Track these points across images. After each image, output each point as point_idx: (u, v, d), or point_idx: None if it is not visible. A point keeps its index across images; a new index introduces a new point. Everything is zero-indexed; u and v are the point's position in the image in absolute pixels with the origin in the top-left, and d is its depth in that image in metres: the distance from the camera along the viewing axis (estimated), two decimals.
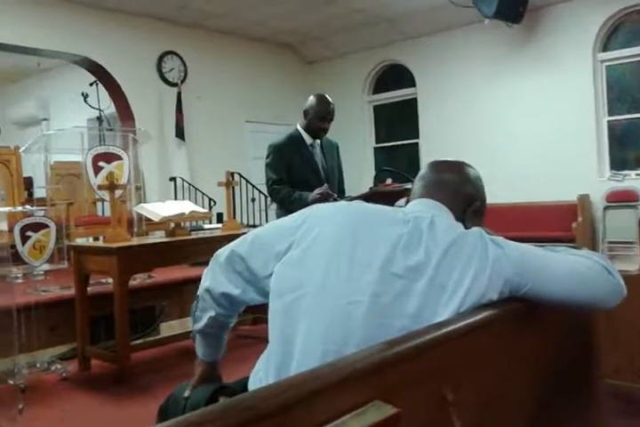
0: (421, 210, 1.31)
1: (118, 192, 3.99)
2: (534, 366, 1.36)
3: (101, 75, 7.15)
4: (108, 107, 7.28)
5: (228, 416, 0.73)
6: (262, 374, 1.17)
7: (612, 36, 6.99)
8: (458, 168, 1.43)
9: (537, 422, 1.39)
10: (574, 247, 1.44)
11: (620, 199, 6.73)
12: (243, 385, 1.24)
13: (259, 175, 3.55)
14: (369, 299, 1.13)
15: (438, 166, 1.45)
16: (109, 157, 4.38)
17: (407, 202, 1.45)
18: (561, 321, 1.44)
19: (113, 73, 7.14)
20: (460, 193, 1.38)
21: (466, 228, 1.27)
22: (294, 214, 1.31)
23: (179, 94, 7.62)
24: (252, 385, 1.19)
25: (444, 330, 1.03)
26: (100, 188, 3.92)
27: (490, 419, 1.20)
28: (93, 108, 6.59)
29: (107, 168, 4.27)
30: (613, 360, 2.74)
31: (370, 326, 1.11)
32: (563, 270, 1.23)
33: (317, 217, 1.26)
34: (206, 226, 4.61)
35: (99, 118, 6.80)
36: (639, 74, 6.94)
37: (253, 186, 7.43)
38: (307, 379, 0.83)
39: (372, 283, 1.15)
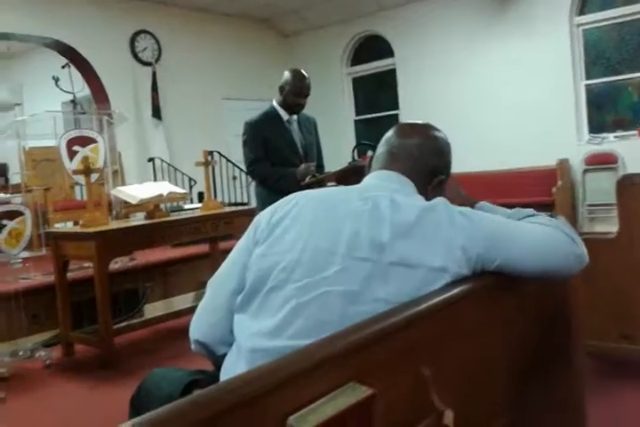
0: (381, 186, 1.26)
1: (94, 176, 3.92)
2: (513, 337, 1.36)
3: (73, 57, 6.98)
4: (82, 89, 7.14)
5: (199, 410, 0.72)
6: (232, 370, 1.14)
7: None
8: (425, 133, 1.36)
9: (519, 391, 1.40)
10: (551, 216, 1.42)
11: (598, 162, 6.76)
12: (216, 375, 1.21)
13: (239, 153, 3.50)
14: (338, 288, 1.11)
15: (404, 130, 1.39)
16: (84, 141, 4.29)
17: (369, 168, 1.39)
18: (537, 290, 1.44)
19: (85, 54, 6.98)
20: (425, 164, 1.32)
21: (427, 200, 1.24)
22: (247, 232, 1.29)
23: (153, 74, 7.47)
24: (225, 376, 1.17)
25: (417, 308, 1.02)
26: (75, 172, 3.85)
27: (470, 393, 1.20)
28: (66, 91, 6.45)
29: (81, 152, 4.18)
30: (595, 322, 2.77)
31: (344, 315, 1.09)
32: (532, 243, 1.22)
33: (277, 216, 1.24)
34: (186, 206, 4.56)
35: (73, 102, 6.67)
36: (616, 37, 6.91)
37: (234, 164, 7.36)
38: (276, 367, 0.81)
39: (338, 271, 1.12)
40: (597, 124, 7.05)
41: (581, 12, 6.96)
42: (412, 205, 1.19)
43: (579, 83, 6.99)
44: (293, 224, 1.20)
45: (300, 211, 1.22)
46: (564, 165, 6.88)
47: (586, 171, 6.86)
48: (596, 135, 6.93)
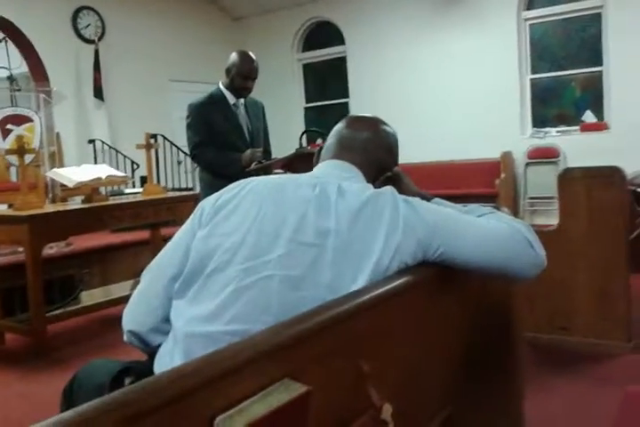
0: (330, 174, 1.26)
1: (29, 157, 3.75)
2: (454, 331, 1.35)
3: (10, 31, 6.66)
4: (20, 66, 6.83)
5: (121, 409, 0.66)
6: (168, 358, 1.10)
7: None
8: (375, 127, 1.38)
9: (460, 383, 1.39)
10: (496, 208, 1.41)
11: (541, 156, 6.92)
12: (150, 365, 1.16)
13: (185, 137, 3.40)
14: (281, 272, 1.08)
15: (355, 123, 1.39)
16: (18, 120, 4.09)
17: (318, 158, 1.39)
18: (478, 283, 1.43)
19: (23, 29, 6.66)
20: (376, 159, 1.34)
21: None
22: (189, 220, 1.24)
23: (96, 52, 7.20)
24: (158, 368, 1.12)
25: (356, 301, 0.99)
26: (8, 152, 3.67)
27: (410, 386, 1.18)
28: (1, 67, 6.16)
29: (16, 131, 3.99)
30: (533, 314, 2.83)
31: (285, 300, 1.06)
32: (480, 236, 1.19)
33: (223, 200, 1.21)
34: (127, 190, 4.43)
35: (9, 78, 6.38)
36: (561, 33, 7.06)
37: (179, 148, 7.20)
38: (204, 364, 0.76)
39: (282, 255, 1.09)
40: (541, 119, 7.21)
41: (529, 6, 7.07)
42: (358, 192, 1.18)
43: (524, 77, 7.12)
44: (239, 207, 1.18)
45: (247, 195, 1.20)
46: (507, 157, 7.01)
47: (528, 164, 7.02)
48: (539, 129, 7.08)
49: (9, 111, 4.23)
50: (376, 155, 1.34)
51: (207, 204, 1.23)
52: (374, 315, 1.03)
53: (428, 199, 1.37)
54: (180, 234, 1.24)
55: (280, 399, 0.80)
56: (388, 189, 1.21)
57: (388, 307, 1.06)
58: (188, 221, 1.24)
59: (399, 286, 1.07)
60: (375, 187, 1.29)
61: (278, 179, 1.26)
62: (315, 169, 1.33)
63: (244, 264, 1.10)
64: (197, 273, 1.13)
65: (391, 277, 1.10)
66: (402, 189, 1.35)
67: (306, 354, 0.88)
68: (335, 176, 1.24)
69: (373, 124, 1.39)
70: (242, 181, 1.27)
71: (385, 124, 1.40)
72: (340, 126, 1.39)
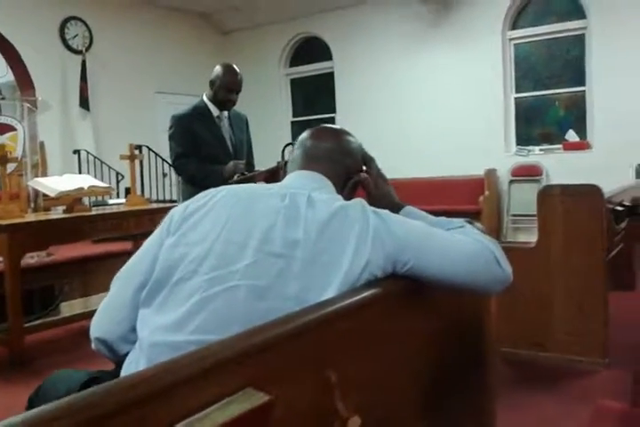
0: (300, 185, 1.26)
1: (11, 166, 3.73)
2: (424, 345, 1.34)
3: None
4: (5, 75, 6.82)
5: (75, 413, 0.66)
6: (134, 366, 1.09)
7: (520, 14, 7.16)
8: (338, 137, 1.40)
9: (435, 396, 1.39)
10: (469, 222, 1.42)
11: (524, 174, 6.99)
12: (117, 374, 1.15)
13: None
14: (247, 282, 1.08)
15: (317, 134, 1.41)
16: (1, 129, 4.09)
17: (285, 171, 1.40)
18: (451, 296, 1.43)
19: (10, 38, 6.67)
20: (341, 165, 1.36)
21: (346, 200, 1.24)
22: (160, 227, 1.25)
23: (83, 62, 7.22)
24: (125, 373, 1.11)
25: (323, 311, 0.99)
26: None
27: (378, 400, 1.18)
28: None
29: None
30: (510, 330, 2.84)
31: (251, 311, 1.06)
32: (448, 252, 1.19)
33: (193, 209, 1.21)
34: (111, 201, 4.42)
35: None
36: (545, 52, 7.17)
37: (164, 160, 7.19)
38: (165, 370, 0.76)
39: (249, 265, 1.09)
40: (525, 137, 7.30)
41: (514, 26, 7.18)
42: (328, 203, 1.19)
43: (509, 95, 7.21)
44: (208, 216, 1.18)
45: (216, 204, 1.20)
46: (491, 174, 7.07)
47: (512, 181, 7.08)
48: (522, 147, 7.16)
49: None
50: (341, 163, 1.35)
51: (176, 212, 1.23)
52: (342, 326, 1.03)
53: (400, 207, 1.38)
54: (149, 242, 1.24)
55: (241, 408, 0.80)
56: (358, 200, 1.22)
57: (357, 318, 1.07)
58: (157, 229, 1.24)
59: (367, 298, 1.08)
60: (345, 194, 1.31)
61: (248, 188, 1.27)
62: (284, 180, 1.34)
63: (209, 274, 1.09)
64: (163, 282, 1.13)
65: (360, 289, 1.10)
66: (371, 194, 1.37)
67: (270, 363, 0.88)
68: (305, 186, 1.24)
69: (336, 134, 1.41)
70: (212, 189, 1.27)
71: (348, 134, 1.42)
72: (303, 137, 1.40)
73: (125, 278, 1.23)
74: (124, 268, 1.25)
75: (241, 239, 1.12)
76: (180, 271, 1.12)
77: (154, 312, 1.12)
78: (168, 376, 0.75)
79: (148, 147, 6.82)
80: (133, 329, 1.17)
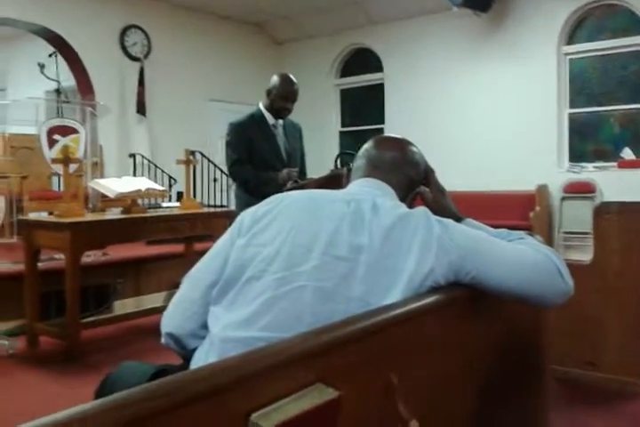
0: (364, 191, 1.29)
1: (73, 166, 3.87)
2: (483, 355, 1.35)
3: (61, 46, 6.91)
4: (68, 79, 7.07)
5: (155, 398, 0.70)
6: (204, 359, 1.13)
7: (576, 29, 7.06)
8: (402, 147, 1.43)
9: (486, 409, 1.39)
10: (530, 234, 1.43)
11: (577, 190, 6.85)
12: (185, 369, 1.19)
13: (221, 155, 3.49)
14: (313, 283, 1.11)
15: (382, 143, 1.44)
16: (65, 130, 4.25)
17: (348, 179, 1.42)
18: (510, 309, 1.44)
19: (73, 44, 6.91)
20: (405, 175, 1.38)
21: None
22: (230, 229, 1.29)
23: (141, 69, 7.43)
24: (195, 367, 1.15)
25: (389, 314, 1.02)
26: (53, 161, 3.80)
27: (436, 406, 1.19)
28: (51, 79, 6.39)
29: (62, 141, 4.14)
30: (562, 347, 2.79)
31: (316, 311, 1.09)
32: (511, 262, 1.20)
33: (263, 212, 1.26)
34: (165, 204, 4.52)
35: (57, 91, 6.60)
36: (601, 68, 7.04)
37: (216, 166, 7.32)
38: (243, 362, 0.80)
39: (315, 267, 1.13)
40: (578, 153, 7.15)
41: (569, 41, 7.08)
42: (392, 209, 1.22)
43: (563, 111, 7.10)
44: (276, 220, 1.22)
45: (284, 209, 1.25)
46: (542, 190, 6.95)
47: (564, 198, 6.94)
48: (575, 164, 7.03)
49: (56, 122, 4.39)
50: (405, 173, 1.38)
51: (247, 215, 1.28)
52: (405, 330, 1.05)
53: (461, 219, 1.39)
54: (220, 243, 1.29)
55: (312, 402, 0.83)
56: (422, 209, 1.24)
57: (419, 323, 1.09)
58: (228, 231, 1.29)
59: (430, 304, 1.10)
60: (406, 203, 1.33)
61: (314, 194, 1.31)
62: (348, 187, 1.37)
63: (277, 274, 1.13)
64: (235, 280, 1.18)
65: (423, 295, 1.12)
66: (429, 207, 1.39)
67: (339, 361, 0.91)
68: (369, 193, 1.28)
69: (400, 143, 1.44)
70: (279, 194, 1.32)
71: (411, 144, 1.45)
72: (367, 147, 1.44)
73: (196, 277, 1.28)
74: (195, 267, 1.30)
75: (307, 242, 1.16)
76: (251, 270, 1.16)
77: (225, 309, 1.17)
78: (247, 367, 0.78)
79: (200, 152, 6.96)
80: (203, 325, 1.21)
